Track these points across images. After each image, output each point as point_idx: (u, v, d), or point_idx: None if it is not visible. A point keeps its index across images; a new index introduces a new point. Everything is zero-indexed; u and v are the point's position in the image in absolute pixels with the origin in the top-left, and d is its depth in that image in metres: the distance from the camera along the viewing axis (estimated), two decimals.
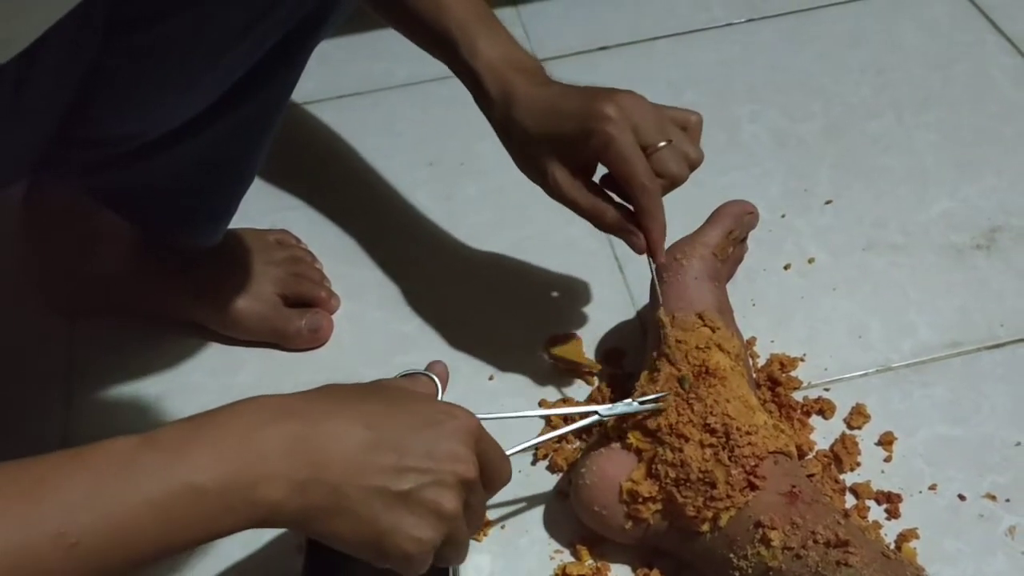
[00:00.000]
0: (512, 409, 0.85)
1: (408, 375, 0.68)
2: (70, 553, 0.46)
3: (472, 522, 0.59)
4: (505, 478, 0.62)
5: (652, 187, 0.74)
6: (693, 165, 0.76)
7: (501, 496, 0.77)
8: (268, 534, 0.76)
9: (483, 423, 0.60)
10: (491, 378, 0.88)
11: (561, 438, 0.81)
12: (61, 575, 0.46)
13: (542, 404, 0.85)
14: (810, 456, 0.79)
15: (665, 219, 0.75)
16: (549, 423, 0.82)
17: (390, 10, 0.81)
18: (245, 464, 0.51)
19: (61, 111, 0.69)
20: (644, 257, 0.77)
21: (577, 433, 0.81)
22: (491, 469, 0.60)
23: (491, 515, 0.78)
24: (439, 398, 0.67)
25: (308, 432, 0.53)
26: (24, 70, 0.60)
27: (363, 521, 0.54)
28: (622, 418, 0.74)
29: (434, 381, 0.67)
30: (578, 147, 0.74)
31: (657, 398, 0.73)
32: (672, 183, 0.75)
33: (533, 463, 0.81)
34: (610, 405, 0.73)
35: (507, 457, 0.62)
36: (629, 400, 0.73)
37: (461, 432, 0.57)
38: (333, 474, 0.53)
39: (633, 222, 0.75)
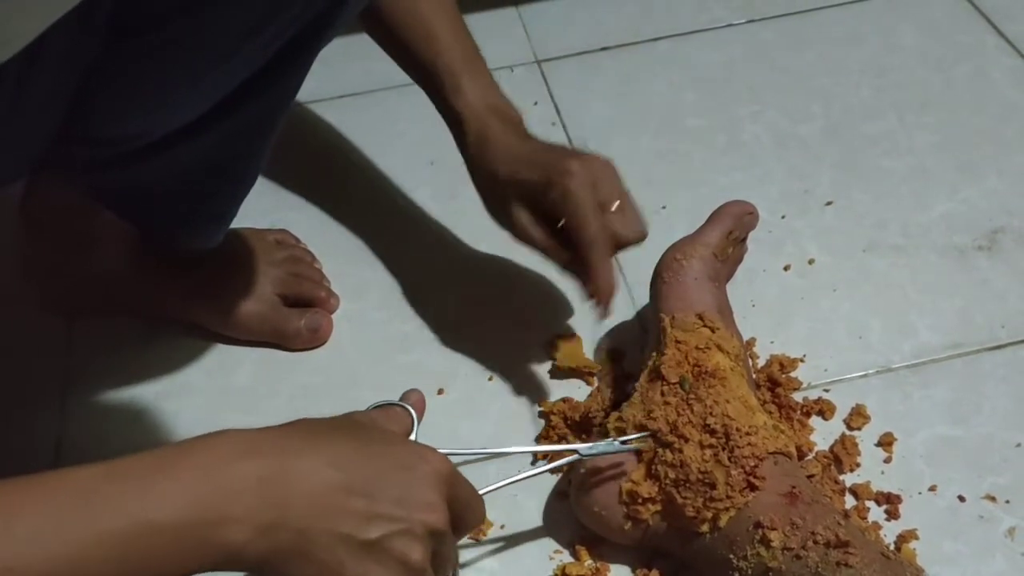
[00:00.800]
0: (511, 411, 0.85)
1: (382, 407, 0.66)
2: None
3: (439, 569, 0.57)
4: (477, 521, 0.60)
5: (601, 242, 0.76)
6: (640, 238, 0.79)
7: (501, 496, 0.78)
8: None
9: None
10: (490, 378, 0.87)
11: (561, 439, 0.81)
12: None
13: (542, 405, 0.85)
14: (810, 457, 0.79)
15: (613, 276, 0.77)
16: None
17: (382, 36, 0.84)
18: (209, 504, 0.48)
19: (62, 111, 0.69)
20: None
21: (576, 434, 0.81)
22: (463, 513, 0.58)
23: (491, 515, 0.77)
24: (415, 429, 0.65)
25: (276, 472, 0.51)
26: (24, 69, 0.59)
27: (327, 569, 0.52)
28: (621, 418, 0.74)
29: (409, 413, 0.65)
30: (539, 195, 0.77)
31: (639, 437, 0.72)
32: (619, 244, 0.78)
33: (533, 463, 0.81)
34: (591, 444, 0.72)
35: (480, 499, 0.60)
36: (611, 440, 0.72)
37: (433, 478, 0.56)
38: (299, 518, 0.51)
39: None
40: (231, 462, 0.50)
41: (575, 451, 0.72)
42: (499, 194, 0.80)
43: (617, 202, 0.77)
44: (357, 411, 0.63)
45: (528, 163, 0.79)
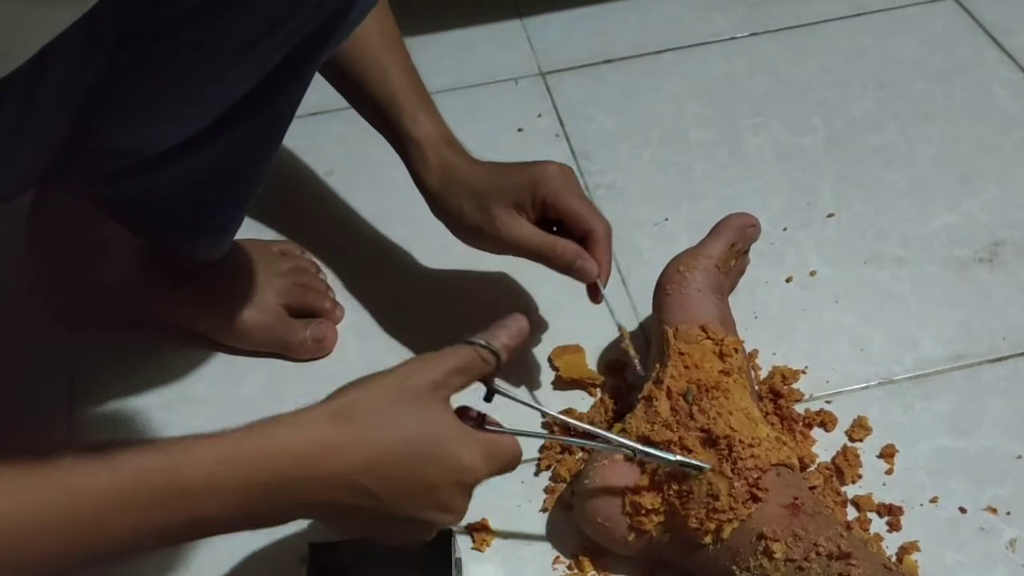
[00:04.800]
0: (516, 419, 0.85)
1: (469, 344, 0.64)
2: None
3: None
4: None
5: (604, 226, 0.82)
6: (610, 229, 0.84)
7: (504, 505, 0.78)
8: (271, 539, 0.76)
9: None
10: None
11: (564, 448, 0.82)
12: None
13: (545, 416, 0.85)
14: (812, 468, 0.80)
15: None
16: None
17: (336, 76, 0.85)
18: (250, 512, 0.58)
19: (68, 124, 0.70)
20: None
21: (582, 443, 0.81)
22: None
23: (494, 524, 0.78)
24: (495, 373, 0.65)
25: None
26: (30, 83, 0.60)
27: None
28: (624, 430, 0.74)
29: (489, 358, 0.64)
30: (525, 194, 0.81)
31: (699, 464, 0.70)
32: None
33: (536, 474, 0.81)
34: (650, 449, 0.71)
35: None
36: (673, 455, 0.70)
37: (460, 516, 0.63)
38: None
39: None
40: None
41: (633, 448, 0.71)
42: (479, 206, 0.82)
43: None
44: (428, 353, 0.65)
45: (504, 171, 0.83)
